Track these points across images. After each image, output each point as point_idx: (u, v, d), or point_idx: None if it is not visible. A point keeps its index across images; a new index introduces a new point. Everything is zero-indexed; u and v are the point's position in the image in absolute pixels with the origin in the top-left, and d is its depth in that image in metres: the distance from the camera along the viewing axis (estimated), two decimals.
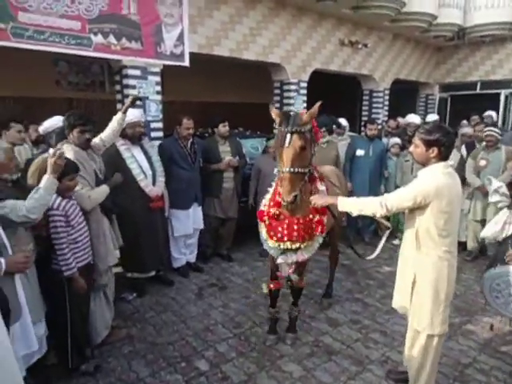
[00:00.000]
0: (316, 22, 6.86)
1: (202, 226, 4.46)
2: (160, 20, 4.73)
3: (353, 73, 8.02)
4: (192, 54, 5.13)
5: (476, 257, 4.89)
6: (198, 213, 4.39)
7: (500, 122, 9.26)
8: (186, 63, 5.09)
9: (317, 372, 2.81)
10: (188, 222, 4.27)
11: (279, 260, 2.82)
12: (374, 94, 8.72)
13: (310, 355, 3.00)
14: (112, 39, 4.35)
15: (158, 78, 4.92)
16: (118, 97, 4.91)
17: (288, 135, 2.40)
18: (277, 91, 6.88)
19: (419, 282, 2.31)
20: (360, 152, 5.20)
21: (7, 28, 3.66)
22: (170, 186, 4.02)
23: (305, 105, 6.89)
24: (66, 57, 6.11)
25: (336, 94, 9.08)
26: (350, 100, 10.18)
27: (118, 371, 2.79)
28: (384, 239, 2.70)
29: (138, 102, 4.23)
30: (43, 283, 2.49)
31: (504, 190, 3.71)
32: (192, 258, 4.53)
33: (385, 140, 5.81)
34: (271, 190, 2.91)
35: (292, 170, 2.41)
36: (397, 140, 5.58)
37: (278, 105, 6.76)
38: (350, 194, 4.38)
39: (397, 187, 4.33)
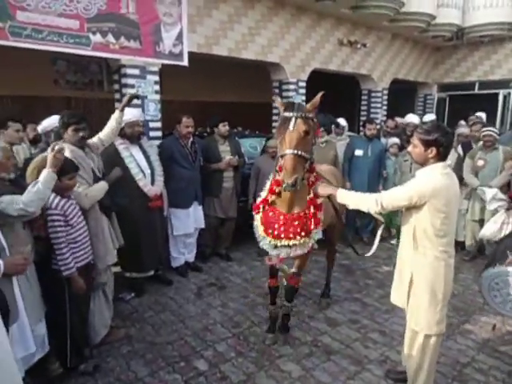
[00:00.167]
0: (315, 22, 6.87)
1: (203, 226, 4.45)
2: (159, 19, 4.72)
3: (351, 72, 8.04)
4: (191, 54, 5.13)
5: (474, 256, 4.90)
6: (199, 212, 4.38)
7: (498, 122, 9.29)
8: (185, 62, 5.09)
9: (316, 372, 2.81)
10: (188, 221, 4.26)
11: (273, 253, 2.81)
12: (373, 94, 8.74)
13: (308, 355, 2.99)
14: (110, 38, 4.34)
15: (156, 78, 4.91)
16: (117, 96, 4.90)
17: (293, 119, 2.44)
18: (276, 91, 6.88)
19: (416, 281, 2.31)
20: (359, 152, 5.20)
21: (5, 27, 3.65)
22: (170, 185, 4.01)
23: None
24: (64, 56, 6.10)
25: (335, 93, 9.05)
26: (348, 100, 10.18)
27: (117, 371, 2.79)
28: (379, 233, 2.70)
29: (137, 101, 4.20)
30: (43, 283, 2.48)
31: (500, 195, 3.74)
32: (191, 258, 4.52)
33: (383, 140, 5.81)
34: (268, 183, 2.87)
35: (295, 152, 2.40)
36: (396, 140, 5.58)
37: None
38: None
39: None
